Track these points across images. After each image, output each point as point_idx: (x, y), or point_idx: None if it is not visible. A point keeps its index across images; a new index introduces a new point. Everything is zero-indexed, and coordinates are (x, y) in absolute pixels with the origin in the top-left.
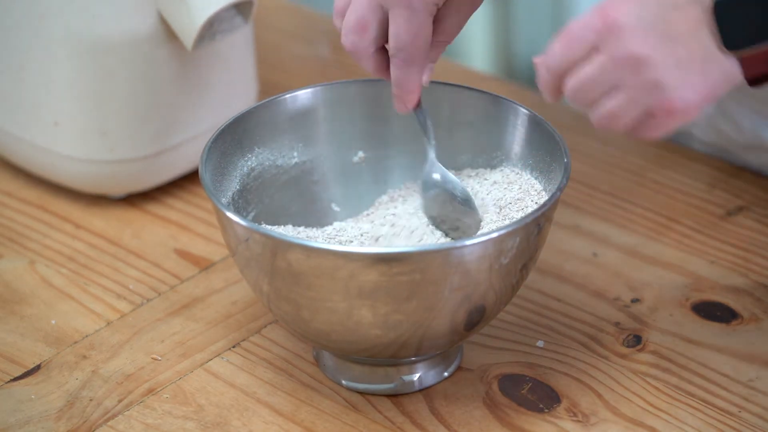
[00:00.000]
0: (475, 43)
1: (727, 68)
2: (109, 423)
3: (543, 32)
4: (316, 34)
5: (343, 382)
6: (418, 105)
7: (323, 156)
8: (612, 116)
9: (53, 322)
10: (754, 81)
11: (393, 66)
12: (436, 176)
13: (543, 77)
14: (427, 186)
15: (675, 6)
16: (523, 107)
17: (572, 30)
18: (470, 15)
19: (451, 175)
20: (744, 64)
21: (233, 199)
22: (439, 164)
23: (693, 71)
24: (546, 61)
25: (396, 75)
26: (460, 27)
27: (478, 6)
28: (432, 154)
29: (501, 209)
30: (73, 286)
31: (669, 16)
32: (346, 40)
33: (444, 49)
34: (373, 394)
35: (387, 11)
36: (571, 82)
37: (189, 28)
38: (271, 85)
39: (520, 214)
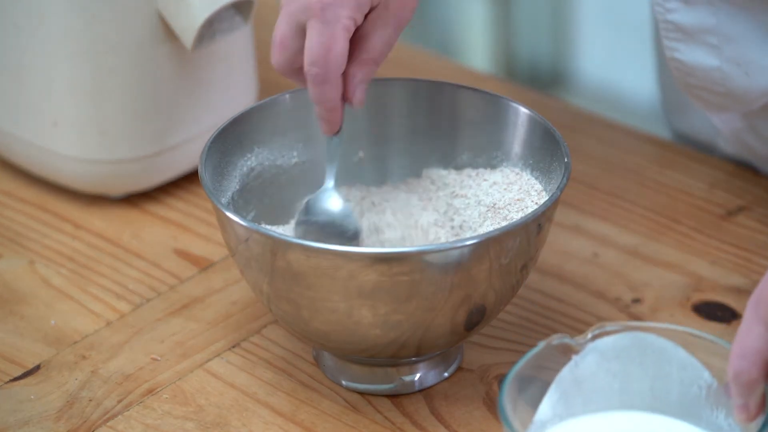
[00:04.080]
0: (475, 43)
1: None
2: (108, 423)
3: (543, 32)
4: None
5: (343, 382)
6: (339, 129)
7: (323, 156)
8: None
9: (53, 322)
10: None
11: (308, 82)
12: (331, 206)
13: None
14: (311, 211)
15: None
16: (523, 107)
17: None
18: (398, 32)
19: (349, 209)
20: None
21: (233, 199)
22: (337, 195)
23: None
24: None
25: (312, 92)
26: (389, 45)
27: (406, 23)
28: (330, 182)
29: (501, 210)
30: (72, 286)
31: None
32: (272, 58)
33: (375, 69)
34: (373, 394)
35: (305, 29)
36: None
37: (189, 27)
38: (271, 85)
39: (520, 215)
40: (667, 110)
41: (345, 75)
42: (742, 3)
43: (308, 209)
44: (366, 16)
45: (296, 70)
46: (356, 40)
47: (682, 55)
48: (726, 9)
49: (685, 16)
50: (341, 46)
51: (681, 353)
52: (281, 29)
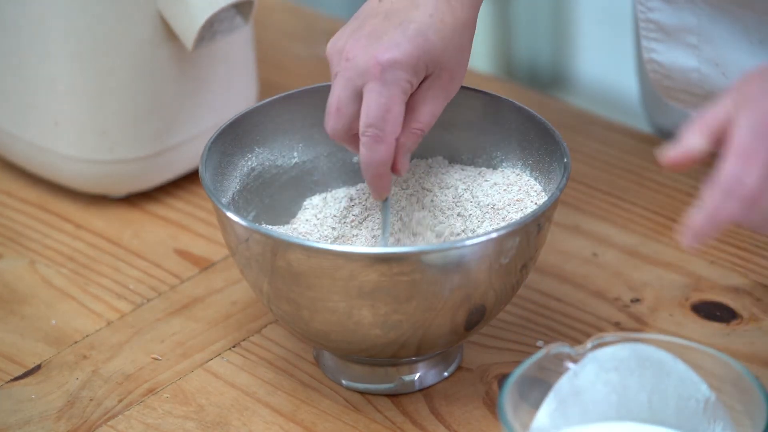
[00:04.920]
0: (475, 43)
1: None
2: (109, 423)
3: (543, 32)
4: (316, 34)
5: (343, 382)
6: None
7: (323, 156)
8: None
9: (53, 322)
10: None
11: (362, 146)
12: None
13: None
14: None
15: None
16: (523, 107)
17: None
18: (446, 103)
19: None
20: None
21: (233, 199)
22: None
23: None
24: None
25: (365, 155)
26: (435, 116)
27: (453, 95)
28: (384, 239)
29: (500, 210)
30: (73, 286)
31: None
32: (326, 125)
33: (420, 139)
34: (373, 393)
35: (362, 93)
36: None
37: (189, 28)
38: (271, 85)
39: (519, 215)
40: (648, 107)
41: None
42: (723, 3)
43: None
44: (419, 84)
45: (352, 137)
46: (407, 109)
47: (660, 56)
48: (707, 9)
49: (666, 16)
50: (399, 107)
51: (680, 366)
52: (337, 95)
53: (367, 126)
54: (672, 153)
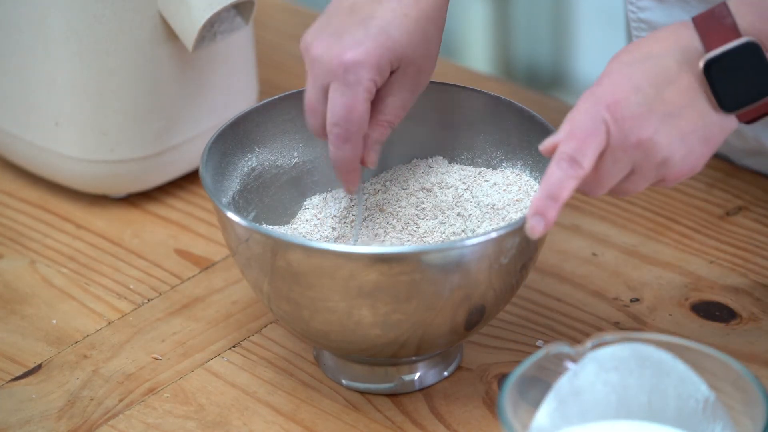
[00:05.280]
0: (475, 43)
1: (726, 124)
2: (109, 422)
3: (543, 32)
4: None
5: (343, 381)
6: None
7: (323, 156)
8: (625, 192)
9: (54, 321)
10: (749, 122)
11: (330, 144)
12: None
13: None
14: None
15: (668, 81)
16: (523, 107)
17: (577, 125)
18: (414, 96)
19: None
20: (740, 115)
21: (233, 199)
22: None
23: (697, 140)
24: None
25: (332, 153)
26: (405, 108)
27: (422, 88)
28: (357, 230)
29: (500, 210)
30: (73, 285)
31: (664, 93)
32: (307, 124)
33: (390, 130)
34: (373, 393)
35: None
36: (590, 176)
37: (189, 28)
38: (271, 85)
39: (519, 215)
40: None
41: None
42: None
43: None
44: (388, 78)
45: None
46: (374, 103)
47: None
48: (698, 6)
49: (657, 15)
50: (363, 106)
51: (679, 366)
52: (308, 94)
53: (333, 125)
54: (538, 229)
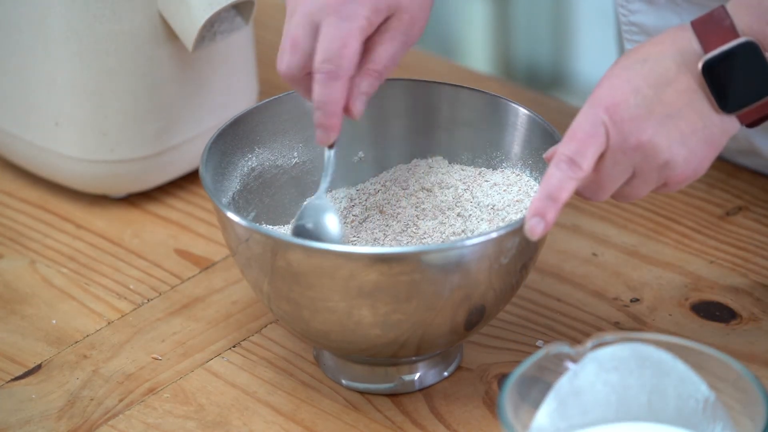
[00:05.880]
0: (475, 43)
1: (727, 125)
2: (109, 422)
3: (543, 32)
4: None
5: (343, 381)
6: (334, 143)
7: (323, 156)
8: (627, 197)
9: (54, 321)
10: (750, 125)
11: (316, 82)
12: (319, 212)
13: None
14: (302, 217)
15: (667, 82)
16: (523, 107)
17: (578, 132)
18: (406, 49)
19: (336, 219)
20: (741, 117)
21: (233, 199)
22: (328, 202)
23: (697, 141)
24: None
25: (318, 93)
26: (395, 60)
27: (414, 41)
28: (324, 186)
29: (500, 211)
30: (73, 285)
31: (663, 94)
32: (280, 63)
33: (378, 82)
34: (373, 393)
35: (319, 28)
36: (591, 180)
37: (189, 28)
38: (271, 85)
39: (519, 215)
40: None
41: (350, 83)
42: (705, 2)
43: (301, 215)
44: (378, 26)
45: (303, 77)
46: (364, 50)
47: None
48: (689, 9)
49: (648, 18)
50: (356, 43)
51: (679, 366)
52: (293, 30)
53: (323, 61)
54: (538, 230)
